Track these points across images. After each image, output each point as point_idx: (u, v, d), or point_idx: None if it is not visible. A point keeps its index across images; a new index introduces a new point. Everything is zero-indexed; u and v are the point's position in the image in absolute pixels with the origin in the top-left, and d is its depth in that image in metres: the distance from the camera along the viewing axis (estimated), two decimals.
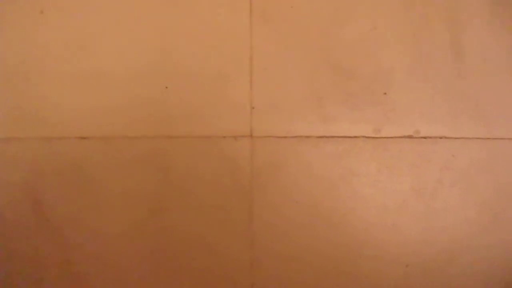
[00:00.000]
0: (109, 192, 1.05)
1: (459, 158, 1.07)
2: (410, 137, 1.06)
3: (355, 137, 1.06)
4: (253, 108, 1.06)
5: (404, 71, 1.08)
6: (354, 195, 1.06)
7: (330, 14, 1.09)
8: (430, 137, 1.07)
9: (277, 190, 1.05)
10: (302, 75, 1.07)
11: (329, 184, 1.05)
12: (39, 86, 1.07)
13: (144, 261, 1.05)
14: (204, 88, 1.06)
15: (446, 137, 1.07)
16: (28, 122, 1.06)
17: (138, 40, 1.07)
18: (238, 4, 1.08)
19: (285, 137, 1.05)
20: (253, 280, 1.05)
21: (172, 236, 1.05)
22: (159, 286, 1.05)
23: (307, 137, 1.06)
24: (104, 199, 1.05)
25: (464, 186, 1.07)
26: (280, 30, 1.08)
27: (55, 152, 1.05)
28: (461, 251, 1.07)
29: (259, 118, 1.05)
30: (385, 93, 1.07)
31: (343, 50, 1.08)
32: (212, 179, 1.04)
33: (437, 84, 1.08)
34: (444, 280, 1.07)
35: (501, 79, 1.10)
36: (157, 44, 1.07)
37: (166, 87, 1.06)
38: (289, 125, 1.06)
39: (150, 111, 1.05)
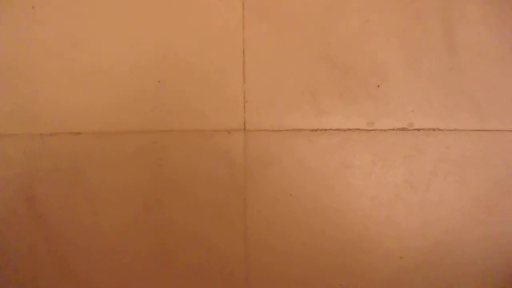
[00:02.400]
0: (103, 187, 1.05)
1: (453, 150, 1.07)
2: (403, 129, 1.07)
3: (349, 130, 1.06)
4: (246, 101, 1.06)
5: (397, 64, 1.08)
6: (348, 188, 1.06)
7: (323, 8, 1.09)
8: (423, 129, 1.07)
9: (271, 184, 1.05)
10: (295, 68, 1.07)
11: (323, 177, 1.05)
12: (31, 82, 1.06)
13: (139, 256, 1.05)
14: (197, 82, 1.06)
15: (439, 129, 1.07)
16: (21, 118, 1.06)
17: (131, 36, 1.07)
18: None
19: (278, 130, 1.05)
20: (247, 273, 1.05)
21: (167, 230, 1.05)
22: (154, 280, 1.05)
23: (301, 130, 1.05)
24: (99, 194, 1.05)
25: (458, 178, 1.07)
26: (273, 24, 1.08)
27: (49, 148, 1.05)
28: (455, 243, 1.07)
29: (252, 111, 1.05)
30: (378, 86, 1.07)
31: (336, 44, 1.08)
32: (206, 173, 1.04)
33: (430, 76, 1.08)
34: (438, 272, 1.07)
35: (494, 71, 1.10)
36: (150, 38, 1.07)
37: (159, 82, 1.05)
38: (283, 119, 1.05)
39: (143, 105, 1.05)
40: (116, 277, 1.05)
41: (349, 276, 1.06)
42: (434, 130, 1.07)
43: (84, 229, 1.05)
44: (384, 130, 1.06)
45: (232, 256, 1.05)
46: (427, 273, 1.07)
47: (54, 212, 1.05)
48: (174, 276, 1.05)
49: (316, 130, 1.06)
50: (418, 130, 1.07)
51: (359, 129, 1.06)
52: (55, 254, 1.05)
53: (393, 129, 1.06)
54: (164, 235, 1.05)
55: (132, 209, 1.05)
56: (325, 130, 1.06)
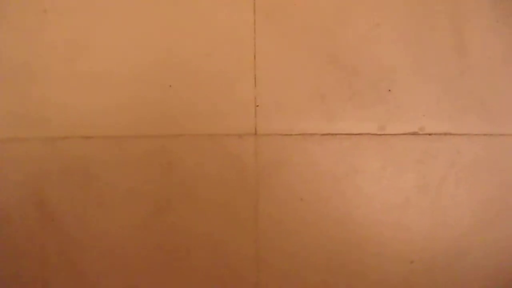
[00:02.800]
0: (114, 191, 1.05)
1: (464, 155, 1.06)
2: (414, 133, 1.06)
3: (360, 134, 1.06)
4: (257, 106, 1.06)
5: (408, 68, 1.08)
6: (359, 192, 1.06)
7: (333, 12, 1.09)
8: (434, 134, 1.06)
9: (282, 188, 1.05)
10: (306, 72, 1.07)
11: (334, 181, 1.05)
12: (43, 86, 1.07)
13: (150, 260, 1.05)
14: (208, 86, 1.06)
15: (451, 134, 1.07)
16: (32, 122, 1.06)
17: (142, 39, 1.07)
18: (242, 2, 1.08)
19: (289, 134, 1.05)
20: (258, 277, 1.05)
21: (178, 234, 1.05)
22: (165, 284, 1.05)
23: (312, 134, 1.05)
24: (109, 198, 1.05)
25: (469, 182, 1.07)
26: (284, 28, 1.08)
27: (60, 152, 1.05)
28: (466, 247, 1.07)
29: (263, 116, 1.05)
30: (389, 90, 1.07)
31: (346, 48, 1.08)
32: (217, 177, 1.04)
33: (441, 80, 1.08)
34: (449, 277, 1.07)
35: (505, 75, 1.09)
36: (161, 43, 1.07)
37: (170, 86, 1.06)
38: (294, 123, 1.05)
39: (154, 110, 1.05)
40: (126, 279, 1.06)
41: (359, 280, 1.06)
42: (445, 134, 1.07)
43: (94, 232, 1.05)
44: (395, 134, 1.06)
45: (242, 260, 1.05)
46: (438, 277, 1.07)
47: (64, 216, 1.05)
48: (184, 279, 1.05)
49: (327, 134, 1.06)
50: (429, 134, 1.06)
51: (370, 134, 1.06)
52: (66, 257, 1.05)
53: (404, 134, 1.06)
54: (174, 239, 1.05)
55: (142, 212, 1.05)
56: (336, 134, 1.06)
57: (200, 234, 1.05)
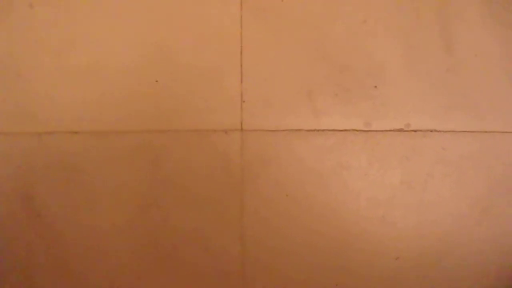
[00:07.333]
0: (100, 186, 1.05)
1: (449, 151, 1.07)
2: (400, 130, 1.07)
3: (346, 130, 1.06)
4: (244, 101, 1.06)
5: (395, 65, 1.08)
6: (345, 188, 1.06)
7: (320, 7, 1.09)
8: (420, 130, 1.07)
9: (268, 184, 1.05)
10: (292, 68, 1.07)
11: (320, 177, 1.05)
12: (29, 81, 1.06)
13: (137, 255, 1.05)
14: (194, 81, 1.06)
15: (436, 130, 1.07)
16: (18, 117, 1.06)
17: (128, 34, 1.07)
18: None
19: (275, 130, 1.05)
20: (244, 273, 1.05)
21: (164, 229, 1.05)
22: (152, 280, 1.05)
23: (298, 130, 1.06)
24: (96, 194, 1.05)
25: (455, 179, 1.07)
26: (271, 24, 1.08)
27: (46, 147, 1.05)
28: (452, 244, 1.07)
29: (249, 111, 1.05)
30: (375, 87, 1.07)
31: (333, 44, 1.08)
32: (203, 172, 1.04)
33: (428, 77, 1.08)
34: (434, 273, 1.07)
35: (492, 72, 1.10)
36: (147, 38, 1.07)
37: (157, 81, 1.05)
38: (280, 119, 1.06)
39: (141, 105, 1.05)
40: (113, 275, 1.06)
41: (345, 276, 1.06)
42: (431, 131, 1.07)
43: (81, 227, 1.05)
44: (381, 131, 1.06)
45: (228, 255, 1.05)
46: (423, 273, 1.07)
47: (51, 211, 1.05)
48: (171, 274, 1.05)
49: (313, 130, 1.06)
50: (415, 131, 1.07)
51: (356, 130, 1.06)
52: (52, 252, 1.05)
53: (390, 130, 1.06)
54: (161, 234, 1.05)
55: (129, 208, 1.05)
56: (322, 130, 1.06)
57: (187, 230, 1.05)
